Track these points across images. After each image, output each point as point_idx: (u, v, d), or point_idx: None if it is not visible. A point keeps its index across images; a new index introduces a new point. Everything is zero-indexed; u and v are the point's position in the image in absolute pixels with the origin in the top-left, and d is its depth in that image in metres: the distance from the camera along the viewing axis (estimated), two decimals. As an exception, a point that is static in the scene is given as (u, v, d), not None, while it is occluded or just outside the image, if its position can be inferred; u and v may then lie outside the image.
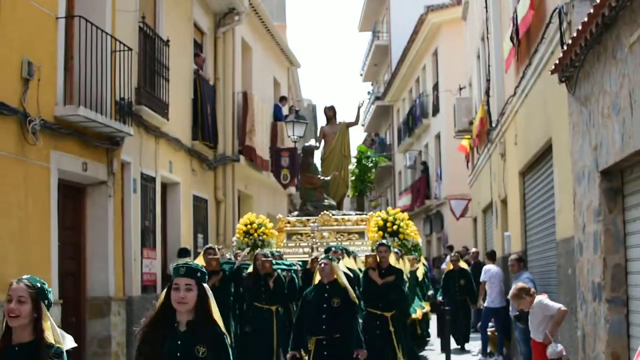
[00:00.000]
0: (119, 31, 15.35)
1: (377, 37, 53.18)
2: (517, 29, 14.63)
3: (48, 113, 12.97)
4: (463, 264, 21.21)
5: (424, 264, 21.03)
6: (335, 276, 10.85)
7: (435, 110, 37.43)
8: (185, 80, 20.23)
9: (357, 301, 10.88)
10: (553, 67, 10.81)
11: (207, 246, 15.04)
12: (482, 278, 18.22)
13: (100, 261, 14.94)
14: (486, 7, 20.42)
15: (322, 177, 20.39)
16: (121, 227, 15.79)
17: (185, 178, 20.04)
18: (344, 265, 13.34)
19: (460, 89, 31.06)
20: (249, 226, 18.62)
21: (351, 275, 13.03)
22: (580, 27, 9.04)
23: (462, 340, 20.77)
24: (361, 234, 19.01)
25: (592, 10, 8.47)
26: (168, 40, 18.31)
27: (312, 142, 22.83)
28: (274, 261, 14.81)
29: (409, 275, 16.81)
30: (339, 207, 21.16)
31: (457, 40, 32.52)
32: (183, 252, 17.97)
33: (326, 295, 10.71)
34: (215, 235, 22.60)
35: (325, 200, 20.28)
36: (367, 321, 13.40)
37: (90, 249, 14.96)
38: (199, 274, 5.82)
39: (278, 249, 17.93)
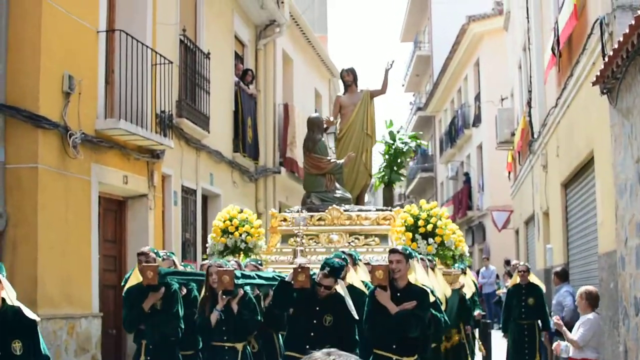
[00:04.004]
0: (160, 44, 15.42)
1: (418, 47, 53.06)
2: (558, 39, 14.53)
3: (89, 126, 13.04)
4: (534, 278, 15.88)
5: (472, 280, 15.64)
6: None
7: (477, 120, 37.23)
8: (226, 93, 20.28)
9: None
10: (594, 78, 10.70)
11: (139, 251, 10.58)
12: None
13: (141, 274, 14.94)
14: (528, 18, 20.31)
15: (333, 160, 15.30)
16: (162, 239, 15.83)
17: (226, 190, 20.07)
18: (343, 285, 9.24)
19: (502, 99, 30.88)
20: (227, 223, 14.05)
21: (347, 299, 9.10)
22: (621, 39, 8.94)
23: None
24: (383, 237, 13.94)
25: (633, 22, 8.37)
26: (209, 53, 18.38)
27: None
28: (238, 273, 9.96)
29: (446, 296, 11.81)
30: (359, 202, 16.07)
31: (498, 51, 32.38)
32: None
33: None
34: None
35: (337, 191, 15.11)
36: None
37: (130, 261, 14.95)
38: None
39: (256, 258, 13.17)
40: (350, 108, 16.05)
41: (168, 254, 11.35)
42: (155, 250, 10.66)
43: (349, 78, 16.33)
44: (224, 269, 9.66)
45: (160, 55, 14.99)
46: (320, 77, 31.47)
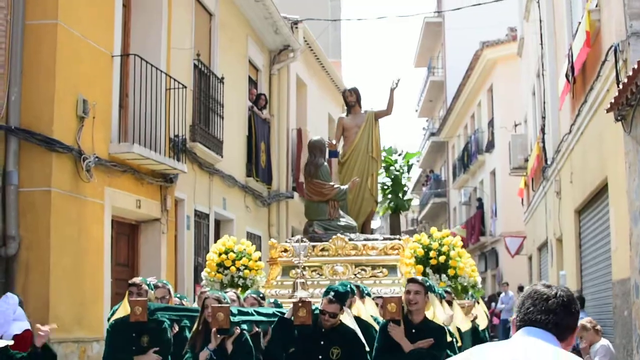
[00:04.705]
0: (174, 69, 15.47)
1: (432, 73, 53.14)
2: (572, 66, 14.52)
3: (102, 150, 13.07)
4: None
5: (485, 312, 14.04)
6: None
7: (491, 146, 37.20)
8: (240, 117, 20.32)
9: None
10: (609, 105, 10.68)
11: (131, 281, 9.68)
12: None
13: (153, 298, 14.92)
14: (542, 44, 20.31)
15: (336, 186, 14.03)
16: (174, 263, 15.83)
17: (239, 215, 20.06)
18: (350, 313, 8.56)
19: (516, 125, 30.88)
20: (223, 257, 13.01)
21: (356, 327, 8.32)
22: (635, 66, 8.93)
23: None
24: (392, 268, 12.76)
25: (647, 49, 8.36)
26: (223, 78, 18.42)
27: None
28: (234, 309, 8.78)
29: (461, 330, 10.52)
30: (365, 230, 14.77)
31: (512, 77, 32.38)
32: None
33: None
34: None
35: (342, 219, 13.86)
36: None
37: (143, 285, 14.97)
38: None
39: (257, 290, 11.56)
40: (354, 130, 14.94)
41: (163, 282, 10.55)
42: (148, 282, 9.67)
43: (352, 98, 15.24)
44: (219, 305, 8.41)
45: (175, 80, 15.03)
46: (333, 102, 31.49)
